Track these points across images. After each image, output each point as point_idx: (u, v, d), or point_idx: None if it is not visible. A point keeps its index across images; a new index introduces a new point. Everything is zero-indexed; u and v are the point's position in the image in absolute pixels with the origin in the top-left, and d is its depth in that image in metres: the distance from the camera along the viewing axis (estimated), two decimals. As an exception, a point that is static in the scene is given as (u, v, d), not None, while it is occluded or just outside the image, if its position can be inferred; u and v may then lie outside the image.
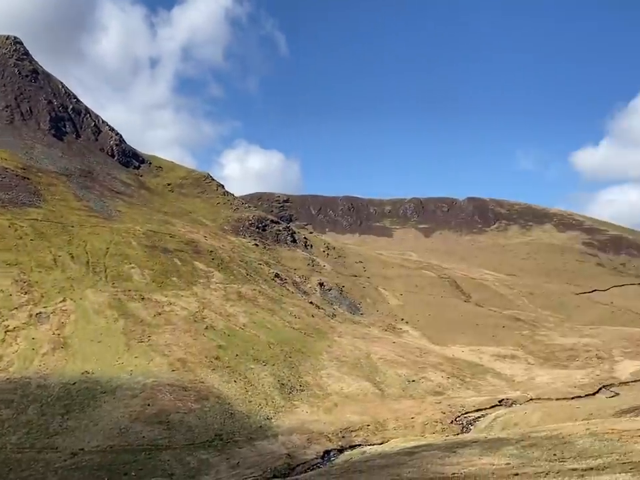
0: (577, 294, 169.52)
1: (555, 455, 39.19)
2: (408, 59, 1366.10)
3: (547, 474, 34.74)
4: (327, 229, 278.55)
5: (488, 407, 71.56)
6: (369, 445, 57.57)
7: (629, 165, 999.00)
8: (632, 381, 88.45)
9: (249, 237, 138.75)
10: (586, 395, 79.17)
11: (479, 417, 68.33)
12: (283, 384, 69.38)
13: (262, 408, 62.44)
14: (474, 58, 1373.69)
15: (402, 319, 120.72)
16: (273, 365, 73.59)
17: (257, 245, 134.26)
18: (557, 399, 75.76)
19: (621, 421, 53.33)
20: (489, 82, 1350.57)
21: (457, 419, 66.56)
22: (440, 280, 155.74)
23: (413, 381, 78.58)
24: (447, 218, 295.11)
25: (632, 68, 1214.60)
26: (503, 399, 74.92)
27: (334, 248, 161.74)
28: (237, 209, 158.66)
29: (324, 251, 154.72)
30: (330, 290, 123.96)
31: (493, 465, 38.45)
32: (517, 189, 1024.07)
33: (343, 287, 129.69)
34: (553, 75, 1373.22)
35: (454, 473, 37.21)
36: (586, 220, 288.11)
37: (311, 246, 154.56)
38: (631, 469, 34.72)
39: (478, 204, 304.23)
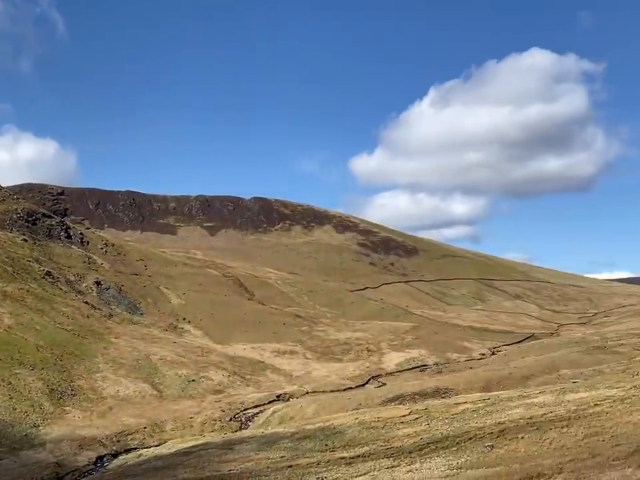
0: (352, 291, 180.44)
1: (326, 445, 40.82)
2: (200, 46, 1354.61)
3: (318, 464, 35.96)
4: (105, 225, 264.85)
5: (266, 402, 73.00)
6: (145, 448, 55.93)
7: (398, 173, 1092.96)
8: (397, 371, 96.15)
9: (17, 231, 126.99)
10: (357, 386, 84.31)
11: (258, 413, 69.40)
12: (52, 389, 64.61)
13: (28, 415, 57.80)
14: (260, 57, 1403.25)
15: (184, 319, 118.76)
16: (42, 369, 68.17)
17: (25, 240, 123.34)
18: (331, 391, 79.62)
19: (387, 409, 57.28)
20: (277, 84, 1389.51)
21: (236, 416, 66.96)
22: (224, 278, 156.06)
23: (193, 380, 77.55)
24: (232, 217, 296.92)
25: (404, 82, 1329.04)
26: (281, 394, 76.92)
27: (113, 245, 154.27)
28: (3, 200, 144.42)
29: (102, 248, 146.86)
30: (108, 289, 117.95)
31: (269, 459, 38.95)
32: (300, 191, 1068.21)
33: (122, 286, 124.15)
34: (337, 81, 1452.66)
35: (230, 470, 37.02)
36: (361, 222, 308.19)
37: (88, 242, 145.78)
38: (392, 454, 37.19)
39: (263, 204, 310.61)
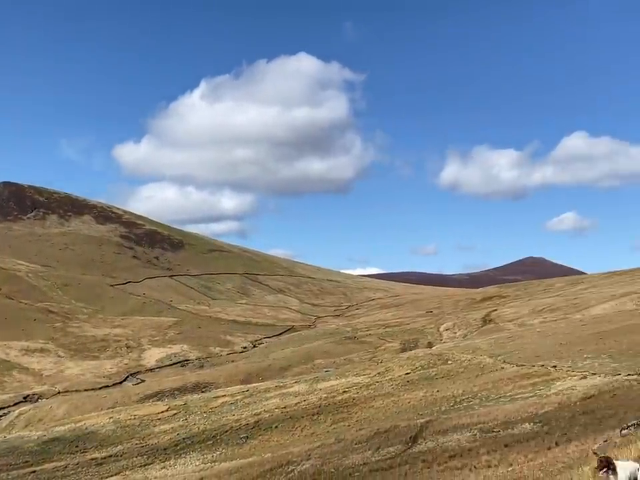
0: (112, 285, 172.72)
1: (77, 446, 38.38)
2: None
3: (65, 467, 33.63)
4: None
5: (12, 404, 67.32)
6: None
7: (166, 164, 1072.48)
8: (157, 368, 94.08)
9: None
10: (114, 384, 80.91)
11: (1, 416, 63.87)
12: None
13: None
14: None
15: None
16: None
17: None
18: (86, 390, 75.50)
19: (144, 406, 55.69)
20: (36, 63, 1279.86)
21: (-27, 423, 60.50)
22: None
23: None
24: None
25: (175, 71, 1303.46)
26: (29, 395, 71.30)
27: None
28: None
29: None
30: None
31: (10, 465, 35.72)
32: (60, 178, 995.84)
33: None
34: (102, 65, 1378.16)
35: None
36: (125, 213, 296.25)
37: None
38: (146, 452, 36.11)
39: (14, 190, 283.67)
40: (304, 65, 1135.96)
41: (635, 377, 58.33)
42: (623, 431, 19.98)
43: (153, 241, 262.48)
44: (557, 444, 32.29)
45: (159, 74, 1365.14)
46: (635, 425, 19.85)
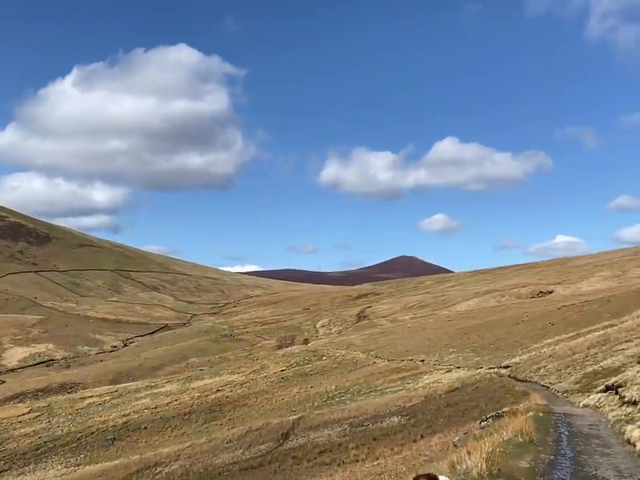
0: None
1: None
2: None
3: None
4: None
5: None
6: None
7: (33, 153, 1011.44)
8: (20, 368, 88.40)
9: None
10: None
11: None
12: None
13: None
14: None
15: None
16: None
17: None
18: None
19: (4, 408, 52.08)
20: None
21: None
22: None
23: None
24: None
25: (44, 55, 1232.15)
26: None
27: None
28: None
29: None
30: None
31: None
32: None
33: None
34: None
35: None
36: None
37: None
38: (4, 457, 33.86)
39: None
40: (184, 56, 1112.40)
41: (496, 369, 61.88)
42: (482, 423, 21.04)
43: (17, 234, 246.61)
44: (422, 436, 33.48)
45: (25, 58, 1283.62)
46: (493, 416, 20.93)
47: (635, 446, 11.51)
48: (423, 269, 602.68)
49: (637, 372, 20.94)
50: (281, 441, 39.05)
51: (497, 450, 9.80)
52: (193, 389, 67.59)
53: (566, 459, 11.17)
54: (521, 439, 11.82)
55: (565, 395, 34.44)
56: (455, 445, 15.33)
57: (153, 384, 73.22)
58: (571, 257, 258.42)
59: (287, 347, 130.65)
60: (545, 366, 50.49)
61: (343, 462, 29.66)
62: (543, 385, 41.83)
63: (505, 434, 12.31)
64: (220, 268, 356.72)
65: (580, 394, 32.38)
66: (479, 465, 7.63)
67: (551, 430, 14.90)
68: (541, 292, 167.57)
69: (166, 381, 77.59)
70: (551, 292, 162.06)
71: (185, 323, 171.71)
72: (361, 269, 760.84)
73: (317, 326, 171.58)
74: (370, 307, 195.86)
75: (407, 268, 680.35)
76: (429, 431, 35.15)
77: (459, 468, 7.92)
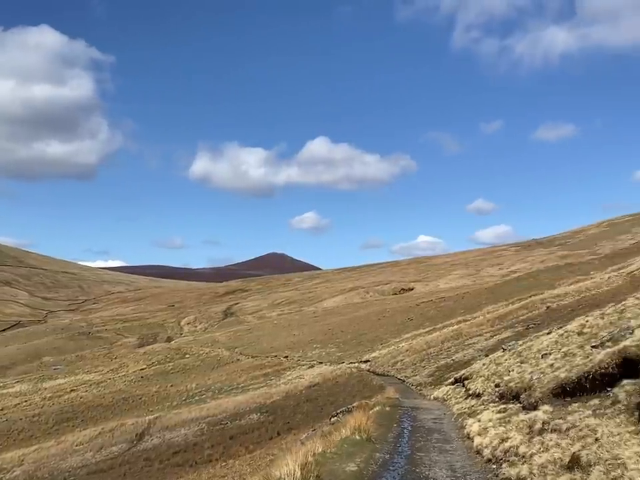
0: None
1: None
2: None
3: None
4: None
5: None
6: None
7: None
8: None
9: None
10: None
11: None
12: None
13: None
14: None
15: None
16: None
17: None
18: None
19: None
20: None
21: None
22: None
23: None
24: None
25: None
26: None
27: None
28: None
29: None
30: None
31: None
32: None
33: None
34: None
35: None
36: None
37: None
38: None
39: None
40: (46, 38, 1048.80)
41: (357, 364, 63.15)
42: (333, 419, 20.94)
43: None
44: (278, 433, 33.19)
45: None
46: (343, 411, 20.90)
47: (473, 441, 11.63)
48: (292, 266, 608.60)
49: (483, 364, 21.79)
50: (135, 442, 37.30)
51: (329, 450, 9.44)
52: (45, 389, 63.60)
53: (402, 458, 10.91)
54: (358, 437, 11.53)
55: (418, 387, 35.51)
56: (302, 443, 14.99)
57: (1, 384, 68.23)
58: (431, 256, 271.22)
59: (149, 344, 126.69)
60: (402, 360, 52.09)
61: (196, 462, 28.69)
62: (399, 378, 43.02)
63: (344, 432, 12.00)
64: (80, 262, 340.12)
65: (432, 386, 33.47)
66: (293, 472, 7.09)
67: (395, 425, 14.87)
68: (403, 289, 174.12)
69: (16, 381, 72.38)
70: (412, 289, 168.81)
71: (40, 320, 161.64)
72: (230, 265, 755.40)
73: (182, 323, 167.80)
74: (237, 303, 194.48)
75: (276, 265, 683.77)
76: (287, 427, 34.97)
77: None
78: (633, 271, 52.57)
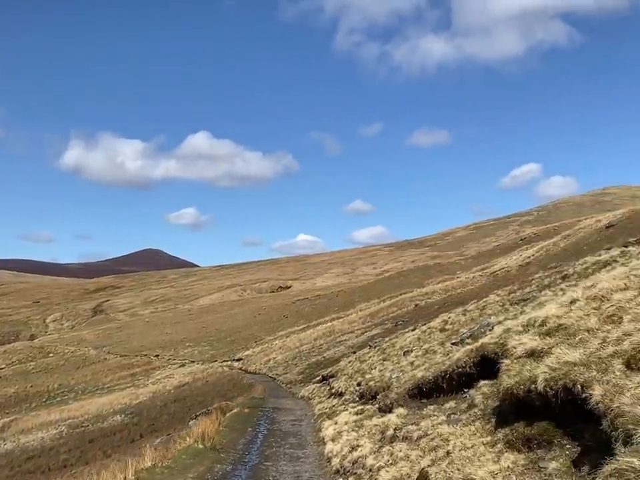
0: None
1: None
2: None
3: None
4: None
5: None
6: None
7: None
8: None
9: None
10: None
11: None
12: None
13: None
14: None
15: None
16: None
17: None
18: None
19: None
20: None
21: None
22: None
23: None
24: None
25: None
26: None
27: None
28: None
29: None
30: None
31: None
32: None
33: None
34: None
35: None
36: None
37: None
38: None
39: None
40: None
41: (229, 362, 61.98)
42: (191, 422, 19.81)
43: None
44: (141, 436, 31.58)
45: None
46: (202, 413, 19.85)
47: (326, 446, 10.98)
48: (169, 263, 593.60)
49: (349, 362, 21.50)
50: (-17, 450, 34.22)
51: (161, 464, 8.42)
52: None
53: (246, 469, 9.91)
54: (201, 446, 10.52)
55: (289, 385, 35.04)
56: (155, 449, 13.88)
57: None
58: (309, 254, 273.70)
59: (9, 343, 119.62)
60: (275, 358, 51.59)
61: (49, 469, 26.54)
62: (270, 377, 42.40)
63: (188, 439, 10.96)
64: None
65: (302, 384, 33.08)
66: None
67: (250, 429, 14.00)
68: (280, 287, 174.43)
69: None
70: (289, 287, 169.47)
71: None
72: (102, 261, 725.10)
73: (48, 320, 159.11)
74: (108, 300, 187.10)
75: (152, 261, 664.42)
76: (151, 429, 33.40)
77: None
78: (495, 271, 55.07)
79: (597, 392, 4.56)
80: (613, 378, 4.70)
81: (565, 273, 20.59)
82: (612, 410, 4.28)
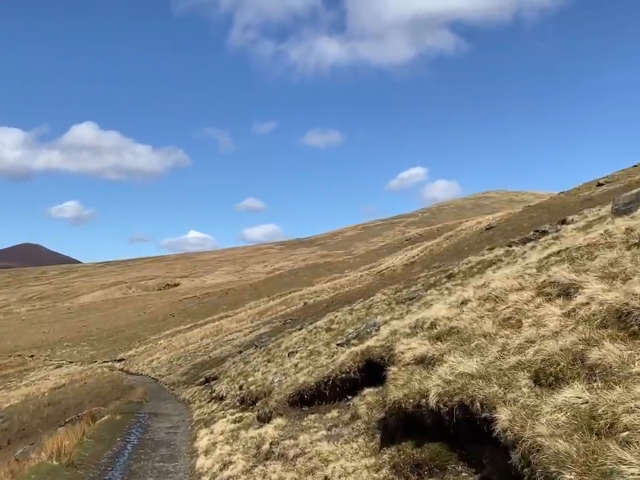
0: None
1: None
2: None
3: None
4: None
5: None
6: None
7: None
8: None
9: None
10: None
11: None
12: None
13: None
14: None
15: None
16: None
17: None
18: None
19: None
20: None
21: None
22: None
23: None
24: None
25: None
26: None
27: None
28: None
29: None
30: None
31: None
32: None
33: None
34: None
35: None
36: None
37: None
38: None
39: None
40: None
41: (110, 363, 59.21)
42: (60, 428, 18.27)
43: None
44: (9, 442, 29.47)
45: None
46: (72, 420, 18.34)
47: (198, 459, 10.00)
48: (48, 259, 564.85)
49: (233, 363, 20.59)
50: None
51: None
52: None
53: None
54: (56, 462, 9.41)
55: (171, 387, 33.70)
56: (17, 460, 12.45)
57: None
58: (200, 251, 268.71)
59: None
60: (159, 358, 49.77)
61: None
62: (153, 378, 40.78)
63: (43, 455, 9.78)
64: None
65: (185, 386, 31.87)
66: None
67: (119, 439, 12.81)
68: (168, 284, 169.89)
69: None
70: (178, 284, 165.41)
71: None
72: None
73: None
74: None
75: (30, 257, 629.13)
76: (21, 434, 31.20)
77: None
78: (382, 270, 55.87)
79: (502, 416, 3.93)
80: (520, 396, 4.10)
81: (450, 272, 20.78)
82: (524, 441, 3.63)
